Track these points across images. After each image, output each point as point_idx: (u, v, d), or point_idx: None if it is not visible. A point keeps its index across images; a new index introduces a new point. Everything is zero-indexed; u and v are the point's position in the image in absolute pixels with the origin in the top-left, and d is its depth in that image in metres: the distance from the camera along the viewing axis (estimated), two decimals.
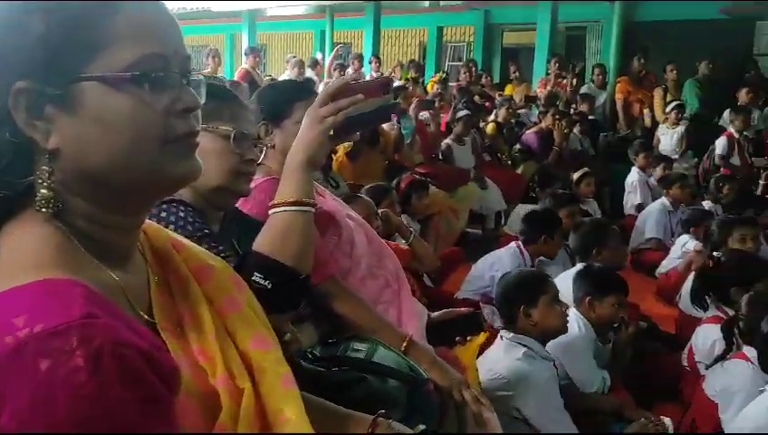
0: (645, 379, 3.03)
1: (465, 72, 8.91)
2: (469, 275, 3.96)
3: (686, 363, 2.89)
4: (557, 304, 2.41)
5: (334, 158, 5.03)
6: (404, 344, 1.64)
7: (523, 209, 5.42)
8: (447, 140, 6.03)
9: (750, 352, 2.32)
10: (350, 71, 8.78)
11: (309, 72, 9.13)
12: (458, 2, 10.23)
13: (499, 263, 3.69)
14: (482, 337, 2.03)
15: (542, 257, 3.73)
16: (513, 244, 3.84)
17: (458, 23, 11.63)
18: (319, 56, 10.68)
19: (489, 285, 3.58)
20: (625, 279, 2.94)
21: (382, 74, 9.16)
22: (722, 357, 2.45)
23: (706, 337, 2.73)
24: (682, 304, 3.58)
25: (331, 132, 1.26)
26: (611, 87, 8.09)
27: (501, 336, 2.46)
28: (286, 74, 8.68)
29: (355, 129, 1.37)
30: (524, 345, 2.37)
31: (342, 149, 5.03)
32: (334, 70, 8.53)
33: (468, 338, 2.03)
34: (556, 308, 2.40)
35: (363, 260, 1.81)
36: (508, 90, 8.95)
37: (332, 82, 1.31)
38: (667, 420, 2.34)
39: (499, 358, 2.37)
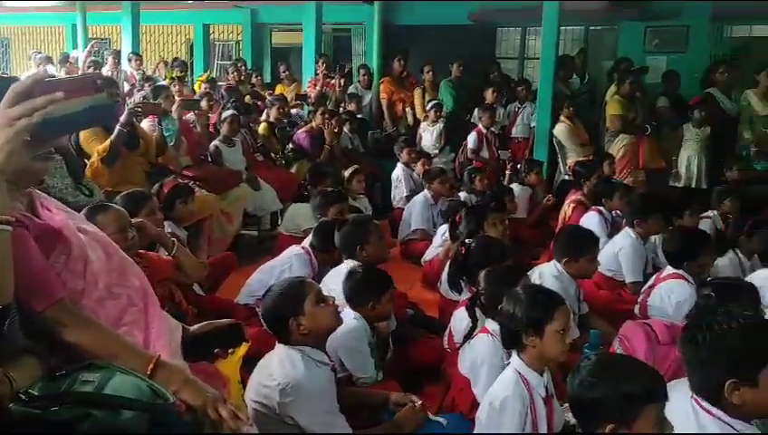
0: (411, 364, 3.19)
1: (233, 72, 8.72)
2: (251, 279, 3.84)
3: (446, 345, 3.10)
4: (322, 301, 2.42)
5: (88, 163, 4.59)
6: (150, 367, 1.51)
7: (296, 208, 5.45)
8: (216, 142, 5.83)
9: (491, 325, 2.53)
10: (105, 69, 8.10)
11: (57, 70, 8.26)
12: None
13: (289, 271, 3.62)
14: (244, 348, 1.96)
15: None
16: (300, 250, 3.79)
17: (225, 21, 11.35)
18: (74, 53, 9.72)
19: None
20: (389, 274, 3.07)
21: (144, 73, 8.60)
22: (469, 335, 2.66)
23: (461, 319, 2.95)
24: (442, 288, 3.84)
25: (28, 136, 1.08)
26: (376, 87, 8.48)
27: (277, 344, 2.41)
28: (30, 72, 7.75)
29: (64, 131, 1.21)
30: (301, 352, 2.34)
31: (96, 153, 4.60)
32: (88, 68, 7.79)
33: (230, 350, 1.95)
34: (322, 308, 2.41)
35: (101, 279, 1.63)
36: (279, 89, 8.94)
37: (22, 80, 1.13)
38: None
39: (275, 366, 2.32)
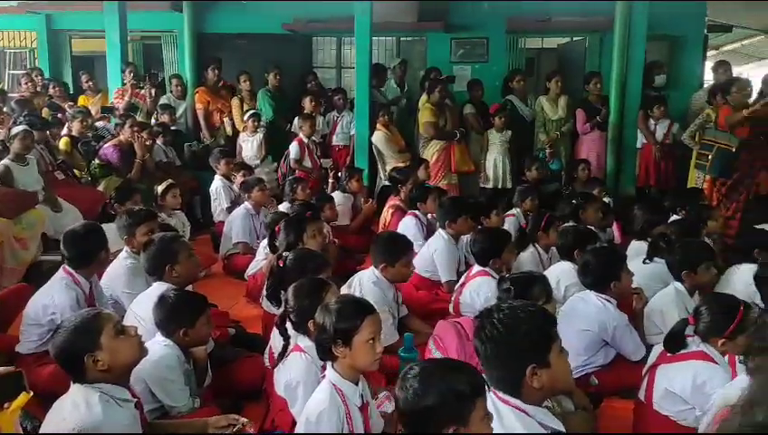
0: (232, 386, 3.08)
1: (26, 82, 7.90)
2: (21, 325, 3.38)
3: (268, 363, 3.02)
4: (122, 333, 2.24)
5: None
6: None
7: (109, 228, 5.04)
8: (5, 161, 5.23)
9: (303, 341, 2.50)
10: None
11: None
12: (9, 2, 8.99)
13: (52, 300, 3.23)
14: (23, 399, 1.73)
15: None
16: (62, 273, 3.35)
17: (16, 27, 10.25)
18: None
19: None
20: (203, 295, 2.93)
21: None
22: (283, 353, 2.61)
23: (279, 335, 2.88)
24: (264, 304, 3.75)
25: None
26: (191, 97, 8.15)
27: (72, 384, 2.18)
28: None
29: None
30: (99, 391, 2.14)
31: None
32: None
33: (5, 405, 1.71)
34: (122, 340, 2.23)
35: None
36: (82, 101, 8.26)
37: None
38: (244, 420, 2.39)
39: (68, 409, 2.09)
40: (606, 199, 6.13)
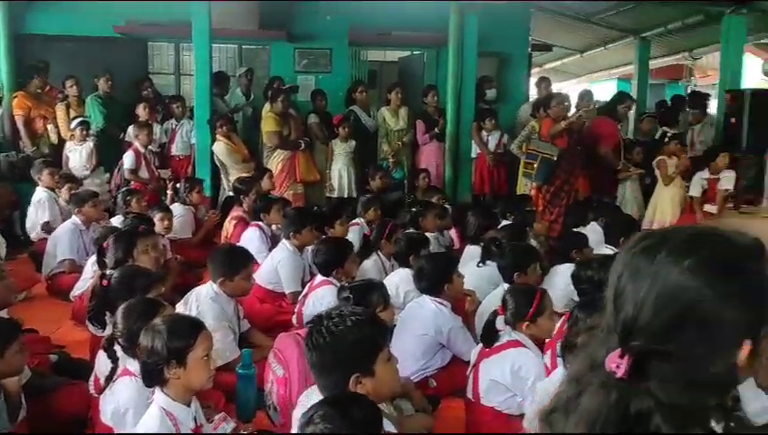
0: (53, 417, 2.81)
1: None
2: None
3: (92, 390, 2.79)
4: None
5: None
6: None
7: None
8: None
9: (133, 365, 2.35)
10: None
11: None
12: None
13: None
14: None
15: None
16: None
17: None
18: None
19: None
20: (16, 320, 2.65)
21: None
22: (110, 377, 2.43)
23: (104, 359, 2.68)
24: (90, 326, 3.47)
25: None
26: (8, 103, 7.41)
27: None
28: None
29: None
30: None
31: None
32: None
33: None
34: None
35: None
36: None
37: None
38: None
39: None
40: (445, 206, 6.41)
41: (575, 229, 5.21)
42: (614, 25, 10.44)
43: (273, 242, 5.14)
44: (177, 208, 5.83)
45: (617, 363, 0.93)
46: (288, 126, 7.17)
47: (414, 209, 5.41)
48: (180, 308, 3.37)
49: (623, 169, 6.80)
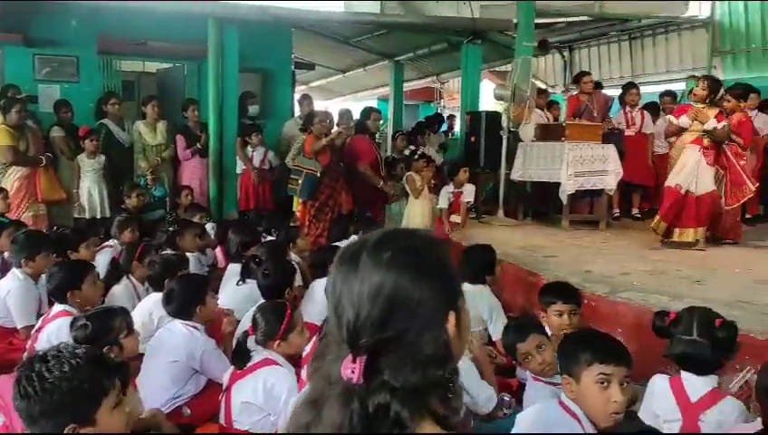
0: None
1: None
2: None
3: None
4: None
5: None
6: None
7: None
8: None
9: None
10: None
11: None
12: None
13: None
14: None
15: None
16: None
17: None
18: None
19: None
20: None
21: None
22: None
23: None
24: None
25: None
26: None
27: None
28: None
29: None
30: None
31: None
32: None
33: None
34: None
35: None
36: None
37: None
38: None
39: None
40: (209, 225, 6.20)
41: (335, 243, 5.36)
42: (371, 48, 11.09)
43: (2, 271, 4.53)
44: None
45: (351, 369, 0.98)
46: (25, 140, 6.40)
47: (171, 229, 5.15)
48: None
49: (386, 187, 7.17)
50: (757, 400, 2.24)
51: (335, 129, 7.28)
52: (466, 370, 2.48)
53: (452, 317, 1.04)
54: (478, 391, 2.65)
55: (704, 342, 2.34)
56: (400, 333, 1.00)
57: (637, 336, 3.38)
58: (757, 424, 2.16)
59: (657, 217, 5.81)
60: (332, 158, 6.92)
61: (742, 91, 6.39)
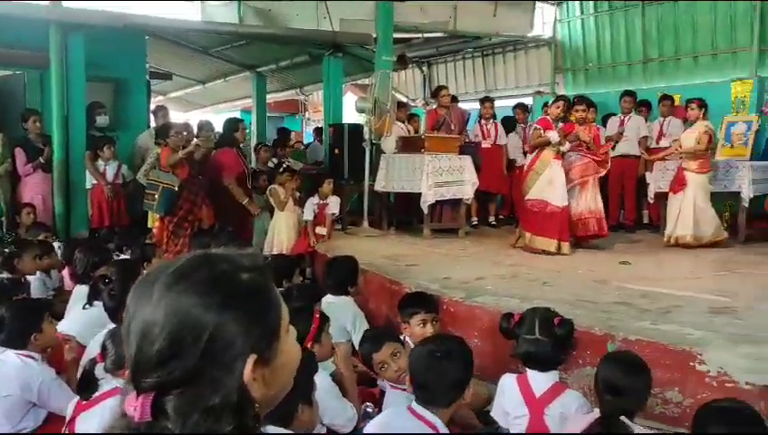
0: None
1: None
2: None
3: None
4: None
5: None
6: None
7: None
8: None
9: None
10: None
11: None
12: None
13: None
14: None
15: None
16: None
17: None
18: None
19: None
20: None
21: None
22: None
23: None
24: None
25: None
26: None
27: None
28: None
29: None
30: None
31: None
32: None
33: None
34: None
35: None
36: None
37: None
38: None
39: None
40: (55, 244, 5.74)
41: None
42: (231, 59, 10.86)
43: None
44: None
45: (134, 406, 0.87)
46: None
47: (7, 250, 4.71)
48: None
49: (250, 205, 7.00)
50: (595, 390, 2.41)
51: (194, 141, 7.03)
52: (326, 389, 2.43)
53: (250, 361, 0.89)
54: (338, 412, 2.59)
55: (545, 340, 2.49)
56: (186, 374, 0.87)
57: (491, 338, 3.53)
58: (596, 413, 2.33)
59: (521, 229, 6.22)
60: (191, 171, 6.67)
61: (590, 101, 6.95)
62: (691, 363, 2.84)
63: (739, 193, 6.85)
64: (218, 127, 7.86)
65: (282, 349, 0.97)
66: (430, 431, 1.98)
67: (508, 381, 2.56)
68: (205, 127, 7.95)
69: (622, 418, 2.19)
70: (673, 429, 2.79)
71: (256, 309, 0.93)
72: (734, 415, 1.92)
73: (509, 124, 8.78)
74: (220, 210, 7.11)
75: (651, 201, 7.56)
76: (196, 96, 14.63)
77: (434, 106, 8.19)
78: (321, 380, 2.38)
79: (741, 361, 2.76)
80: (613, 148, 7.35)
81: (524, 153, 7.79)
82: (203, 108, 15.83)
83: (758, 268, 5.38)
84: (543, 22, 10.56)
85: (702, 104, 6.62)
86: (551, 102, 6.58)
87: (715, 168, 6.81)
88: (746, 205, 6.83)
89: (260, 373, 0.92)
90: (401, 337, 3.12)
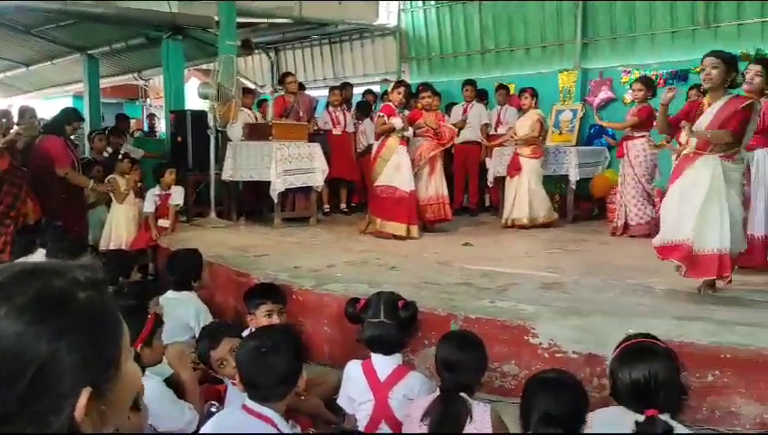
0: None
1: None
2: None
3: None
4: None
5: None
6: None
7: None
8: None
9: None
10: None
11: None
12: None
13: None
14: None
15: None
16: None
17: None
18: None
19: None
20: None
21: None
22: None
23: None
24: None
25: None
26: None
27: None
28: None
29: None
30: None
31: None
32: None
33: None
34: None
35: None
36: None
37: None
38: None
39: None
40: None
41: (20, 259, 4.68)
42: (57, 40, 9.93)
43: None
44: None
45: None
46: None
47: None
48: None
49: (100, 186, 6.48)
50: (436, 370, 2.48)
51: (15, 129, 6.36)
52: (158, 394, 2.26)
53: (84, 395, 0.78)
54: (174, 416, 2.42)
55: (390, 322, 2.51)
56: (9, 404, 0.75)
57: (340, 325, 3.52)
58: (438, 393, 2.39)
59: (371, 215, 6.28)
60: (13, 161, 6.02)
61: (435, 89, 7.17)
62: (525, 337, 3.01)
63: (567, 176, 7.46)
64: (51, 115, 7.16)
65: (120, 376, 0.85)
66: (268, 427, 1.92)
67: (353, 368, 2.56)
68: (27, 113, 7.21)
69: (462, 394, 2.27)
70: (511, 401, 2.94)
71: (94, 335, 0.81)
72: (556, 384, 2.06)
73: (365, 109, 8.84)
74: (47, 204, 6.51)
75: (491, 185, 8.01)
76: (17, 80, 13.25)
77: (282, 93, 8.04)
78: (153, 385, 2.23)
79: (569, 332, 2.97)
80: (458, 134, 7.66)
81: None
82: (27, 93, 14.36)
83: (583, 245, 5.87)
84: (389, 11, 10.73)
85: (534, 93, 7.09)
86: (391, 89, 6.73)
87: (547, 153, 7.34)
88: (573, 187, 7.45)
89: (95, 407, 0.80)
90: (247, 330, 3.02)
